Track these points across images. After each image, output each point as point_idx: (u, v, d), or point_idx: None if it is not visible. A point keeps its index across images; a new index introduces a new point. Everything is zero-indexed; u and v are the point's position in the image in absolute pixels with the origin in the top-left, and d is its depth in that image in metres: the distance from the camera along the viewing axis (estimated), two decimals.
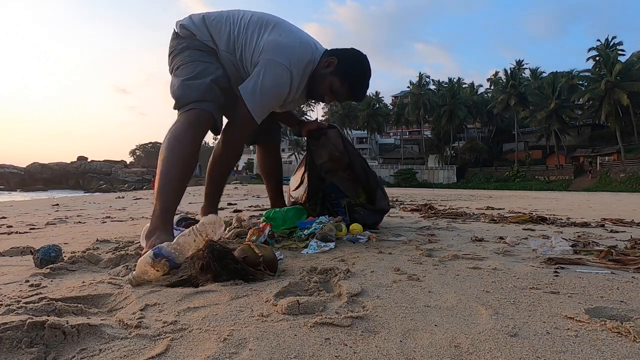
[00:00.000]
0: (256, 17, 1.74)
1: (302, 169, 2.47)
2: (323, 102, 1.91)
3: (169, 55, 1.76)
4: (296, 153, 49.63)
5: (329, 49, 1.86)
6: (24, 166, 52.33)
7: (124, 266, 1.30)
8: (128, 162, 72.48)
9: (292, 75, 1.65)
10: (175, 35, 1.74)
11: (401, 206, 4.99)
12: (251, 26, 1.70)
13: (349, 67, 1.79)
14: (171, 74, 1.74)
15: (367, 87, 1.86)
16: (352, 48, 1.87)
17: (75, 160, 55.63)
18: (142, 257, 1.14)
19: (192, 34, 1.70)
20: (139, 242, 1.76)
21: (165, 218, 1.41)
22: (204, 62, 1.66)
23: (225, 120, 1.79)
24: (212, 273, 1.12)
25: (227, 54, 1.71)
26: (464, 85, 53.99)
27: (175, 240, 1.18)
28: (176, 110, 1.65)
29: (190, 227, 1.18)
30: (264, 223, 1.84)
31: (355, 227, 2.04)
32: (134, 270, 1.14)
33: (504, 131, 52.06)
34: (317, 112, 54.04)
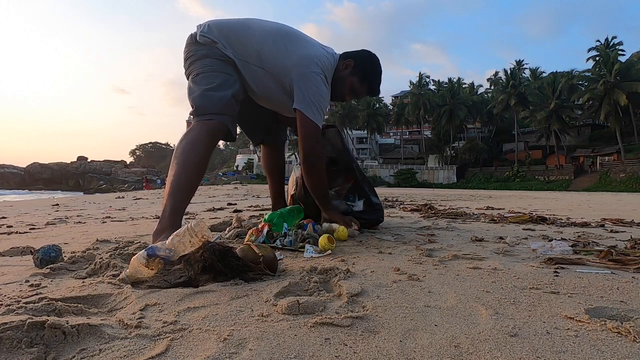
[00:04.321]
0: (277, 28, 1.85)
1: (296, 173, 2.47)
2: (343, 101, 2.07)
3: (186, 60, 1.79)
4: (296, 153, 49.61)
5: (340, 53, 2.01)
6: (24, 166, 52.35)
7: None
8: (128, 162, 72.50)
9: (326, 80, 1.82)
10: (194, 41, 1.77)
11: (401, 206, 4.99)
12: (276, 38, 1.79)
13: (366, 67, 1.97)
14: (188, 78, 1.77)
15: (381, 82, 2.05)
16: (363, 49, 2.04)
17: (75, 160, 55.67)
18: (135, 257, 1.14)
19: (212, 41, 1.74)
20: (140, 242, 1.76)
21: (176, 219, 1.46)
22: (224, 72, 1.72)
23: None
24: (213, 273, 1.12)
25: (254, 65, 1.77)
26: (463, 86, 53.95)
27: (169, 240, 1.17)
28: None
29: (185, 227, 1.18)
30: (263, 223, 1.84)
31: (342, 231, 1.90)
32: (127, 269, 1.14)
33: (504, 131, 52.04)
34: None
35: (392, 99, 65.50)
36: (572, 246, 1.75)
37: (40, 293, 1.02)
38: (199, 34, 1.76)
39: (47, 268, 1.28)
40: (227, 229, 2.13)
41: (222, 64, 1.74)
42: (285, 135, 2.44)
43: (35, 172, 50.49)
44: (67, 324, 0.75)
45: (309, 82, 1.74)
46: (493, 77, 56.81)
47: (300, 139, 1.81)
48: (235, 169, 60.19)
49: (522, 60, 53.58)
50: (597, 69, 38.66)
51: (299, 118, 1.75)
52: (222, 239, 1.86)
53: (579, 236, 2.22)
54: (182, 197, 1.52)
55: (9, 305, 0.89)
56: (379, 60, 2.02)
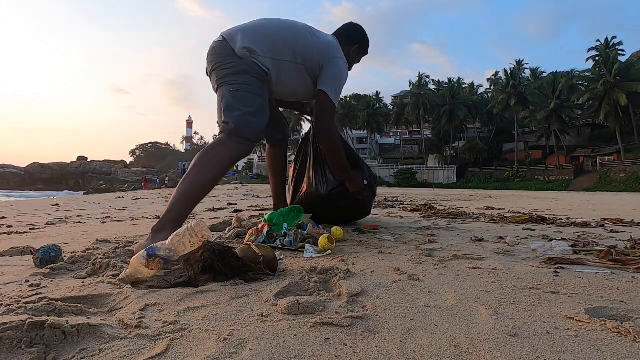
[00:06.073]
0: (300, 24, 2.03)
1: (295, 168, 2.53)
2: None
3: (219, 69, 1.81)
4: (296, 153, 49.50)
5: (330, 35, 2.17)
6: (24, 166, 52.33)
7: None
8: (128, 162, 72.49)
9: (346, 63, 2.06)
10: (232, 53, 1.79)
11: (401, 206, 4.99)
12: (303, 32, 1.96)
13: (364, 43, 2.31)
14: (221, 86, 1.80)
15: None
16: (352, 29, 2.28)
17: (75, 160, 55.69)
18: (135, 257, 1.14)
19: (249, 52, 1.78)
20: (139, 241, 1.76)
21: (180, 223, 1.54)
22: (260, 96, 1.82)
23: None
24: (213, 273, 1.12)
25: (288, 61, 1.88)
26: (463, 86, 53.91)
27: (169, 240, 1.17)
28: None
29: (185, 227, 1.19)
30: (263, 223, 1.84)
31: (336, 231, 1.90)
32: (127, 269, 1.14)
33: (504, 131, 51.98)
34: None
35: (392, 99, 65.44)
36: (572, 246, 1.75)
37: (40, 293, 1.02)
38: (240, 48, 1.77)
39: (47, 268, 1.28)
40: (227, 229, 2.13)
41: (259, 85, 1.81)
42: (288, 133, 2.46)
43: (35, 172, 50.47)
44: (67, 324, 0.75)
45: (335, 66, 1.96)
46: (493, 77, 56.72)
47: (319, 116, 1.99)
48: (235, 169, 60.13)
49: (522, 60, 53.43)
50: (597, 69, 38.60)
51: (322, 98, 1.93)
52: (222, 239, 1.86)
53: (579, 236, 2.22)
54: (191, 205, 1.63)
55: (9, 305, 0.89)
56: (363, 29, 2.31)
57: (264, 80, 1.84)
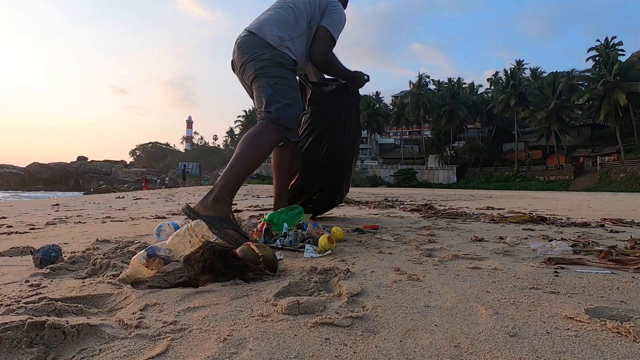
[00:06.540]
0: None
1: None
2: None
3: (256, 60, 1.99)
4: None
5: None
6: (24, 166, 52.33)
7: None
8: (128, 162, 72.49)
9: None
10: (265, 43, 2.00)
11: (401, 206, 4.99)
12: (308, 2, 2.18)
13: None
14: (260, 77, 1.98)
15: None
16: None
17: (75, 160, 55.73)
18: (135, 257, 1.14)
19: (280, 40, 2.00)
20: (140, 242, 1.76)
21: (231, 196, 1.78)
22: (296, 89, 2.05)
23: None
24: (213, 273, 1.12)
25: (305, 35, 2.13)
26: (463, 86, 53.94)
27: (169, 240, 1.18)
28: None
29: (185, 227, 1.19)
30: (262, 223, 1.84)
31: (336, 231, 1.89)
32: (127, 269, 1.15)
33: (504, 131, 51.98)
34: None
35: (392, 99, 65.50)
36: (572, 246, 1.75)
37: (40, 293, 1.02)
38: (272, 37, 1.99)
39: (47, 268, 1.28)
40: None
41: (292, 77, 2.05)
42: (298, 134, 2.47)
43: (35, 172, 50.47)
44: (67, 324, 0.75)
45: (335, 13, 2.20)
46: (493, 77, 56.65)
47: (320, 45, 2.16)
48: None
49: (522, 60, 53.41)
50: (597, 69, 38.59)
51: (323, 32, 2.14)
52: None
53: (579, 236, 2.22)
54: (240, 181, 1.85)
55: (9, 305, 0.89)
56: None
57: (294, 69, 2.06)
